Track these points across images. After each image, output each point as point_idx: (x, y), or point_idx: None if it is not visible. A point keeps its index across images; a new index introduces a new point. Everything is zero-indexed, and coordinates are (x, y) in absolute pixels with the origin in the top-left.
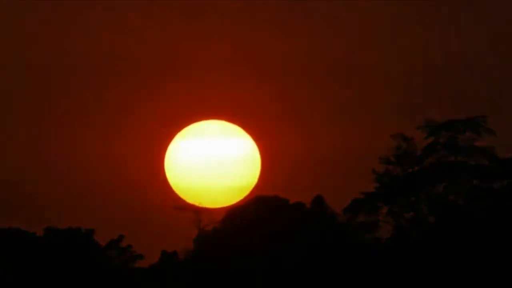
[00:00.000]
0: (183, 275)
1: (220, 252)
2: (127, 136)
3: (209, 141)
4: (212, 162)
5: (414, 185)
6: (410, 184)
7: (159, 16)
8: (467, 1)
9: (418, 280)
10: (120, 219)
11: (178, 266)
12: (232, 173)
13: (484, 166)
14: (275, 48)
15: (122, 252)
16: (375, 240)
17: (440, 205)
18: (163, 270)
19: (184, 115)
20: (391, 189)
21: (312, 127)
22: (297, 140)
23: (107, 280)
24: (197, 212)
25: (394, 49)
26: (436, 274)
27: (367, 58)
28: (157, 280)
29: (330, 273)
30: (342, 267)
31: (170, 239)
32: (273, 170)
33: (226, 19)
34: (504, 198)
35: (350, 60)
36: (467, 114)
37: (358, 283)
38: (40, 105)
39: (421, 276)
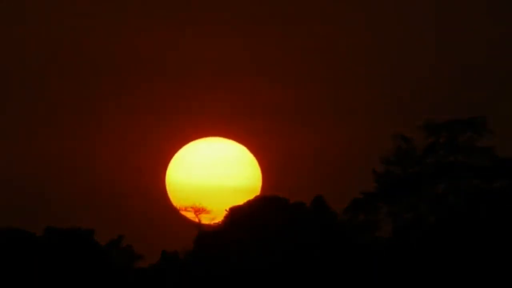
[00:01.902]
0: (183, 275)
1: (220, 252)
2: (129, 138)
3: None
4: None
5: (414, 185)
6: (410, 184)
7: (160, 22)
8: (468, 1)
9: (418, 279)
10: (120, 219)
11: (178, 266)
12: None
13: (484, 166)
14: (270, 50)
15: (122, 252)
16: (375, 240)
17: (440, 205)
18: (163, 270)
19: (184, 133)
20: (391, 189)
21: (312, 127)
22: (297, 140)
23: (107, 280)
24: (197, 212)
25: (394, 49)
26: (436, 273)
27: (367, 58)
28: (157, 280)
29: (330, 273)
30: (342, 267)
31: (170, 239)
32: (273, 170)
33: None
34: (504, 198)
35: (350, 61)
36: (467, 114)
37: (358, 282)
38: (41, 105)
39: (421, 275)
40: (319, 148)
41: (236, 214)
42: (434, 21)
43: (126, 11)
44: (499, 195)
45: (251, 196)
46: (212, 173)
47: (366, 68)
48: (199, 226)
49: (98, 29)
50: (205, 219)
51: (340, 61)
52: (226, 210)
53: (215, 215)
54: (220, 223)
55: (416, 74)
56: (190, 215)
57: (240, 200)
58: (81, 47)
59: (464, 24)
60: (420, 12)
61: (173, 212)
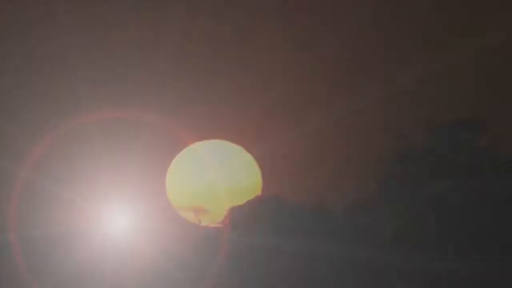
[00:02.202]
0: (183, 275)
1: (220, 252)
2: (130, 140)
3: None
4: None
5: (414, 185)
6: (410, 184)
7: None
8: (468, 1)
9: (418, 279)
10: (120, 219)
11: (178, 266)
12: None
13: (484, 166)
14: (268, 48)
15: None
16: (375, 240)
17: (440, 205)
18: (163, 270)
19: (184, 134)
20: (391, 189)
21: (311, 127)
22: (297, 140)
23: (107, 280)
24: (197, 212)
25: (394, 48)
26: (436, 274)
27: (365, 57)
28: (157, 280)
29: (330, 273)
30: (342, 267)
31: (170, 239)
32: (273, 170)
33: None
34: (504, 198)
35: (349, 60)
36: (467, 114)
37: (358, 283)
38: (40, 103)
39: (421, 275)
40: (319, 147)
41: (235, 214)
42: (435, 21)
43: (130, 10)
44: (499, 195)
45: (251, 196)
46: (212, 174)
47: (365, 68)
48: (199, 226)
49: (99, 26)
50: (205, 219)
51: (339, 60)
52: (226, 210)
53: (215, 215)
54: (220, 223)
55: (416, 74)
56: (190, 215)
57: (240, 200)
58: (81, 44)
59: (463, 24)
60: (420, 12)
61: (173, 212)
